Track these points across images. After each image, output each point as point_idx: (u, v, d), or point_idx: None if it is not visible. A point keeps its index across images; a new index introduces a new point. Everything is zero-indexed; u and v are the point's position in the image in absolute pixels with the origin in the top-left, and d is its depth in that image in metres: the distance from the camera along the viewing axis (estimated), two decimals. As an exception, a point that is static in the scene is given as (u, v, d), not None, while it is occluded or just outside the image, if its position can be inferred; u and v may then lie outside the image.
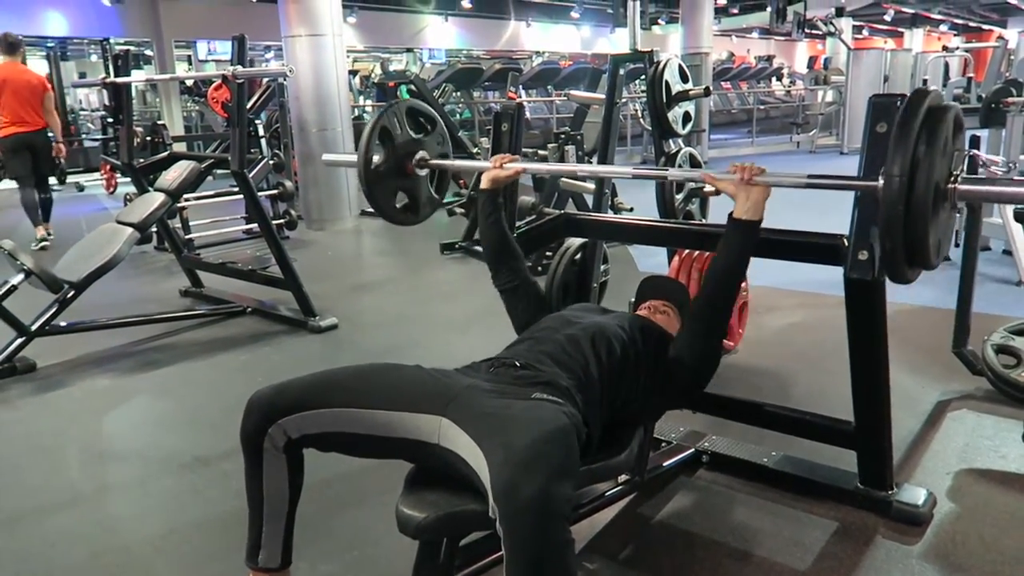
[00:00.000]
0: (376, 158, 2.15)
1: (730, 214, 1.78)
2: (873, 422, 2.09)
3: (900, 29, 25.76)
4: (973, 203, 3.13)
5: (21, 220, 6.88)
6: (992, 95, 4.46)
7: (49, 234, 6.43)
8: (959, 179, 1.52)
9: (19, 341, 3.49)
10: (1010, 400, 2.83)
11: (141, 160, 4.88)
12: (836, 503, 2.20)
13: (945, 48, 14.17)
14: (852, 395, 2.09)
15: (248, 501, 1.66)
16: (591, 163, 5.52)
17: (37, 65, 13.46)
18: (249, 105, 5.88)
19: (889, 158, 1.43)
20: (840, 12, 17.85)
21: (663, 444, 2.50)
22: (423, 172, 2.25)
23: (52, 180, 7.21)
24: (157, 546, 2.15)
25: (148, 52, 14.31)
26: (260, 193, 4.98)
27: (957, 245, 4.92)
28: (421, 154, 2.23)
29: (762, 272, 3.66)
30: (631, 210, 6.02)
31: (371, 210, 7.49)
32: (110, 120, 9.81)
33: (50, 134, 6.53)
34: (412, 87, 8.54)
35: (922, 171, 1.40)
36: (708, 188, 3.26)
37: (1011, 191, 1.56)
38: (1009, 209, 4.36)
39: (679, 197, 3.13)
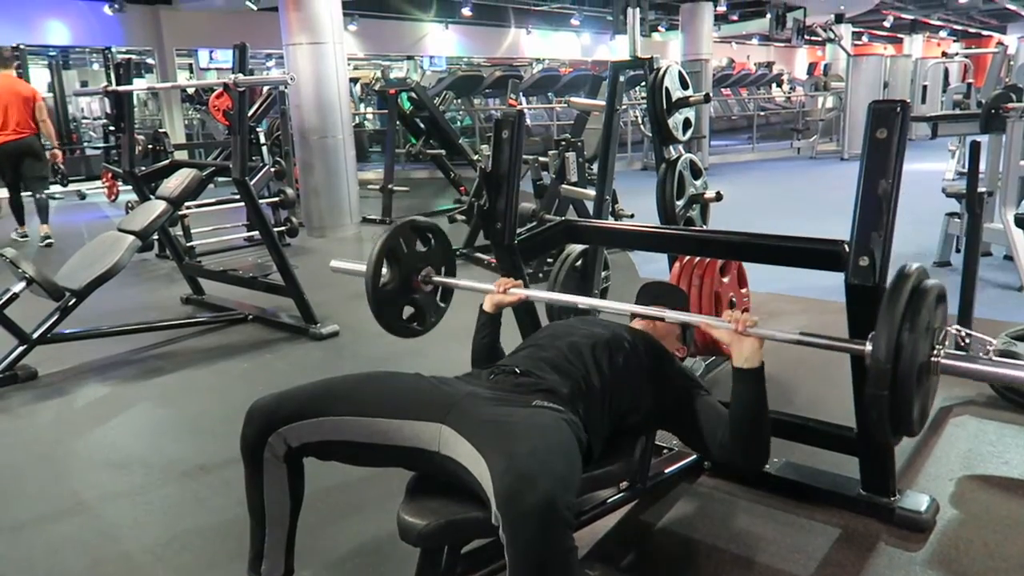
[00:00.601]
0: (384, 274, 2.20)
1: (732, 365, 1.74)
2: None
3: (900, 35, 25.82)
4: (974, 207, 3.14)
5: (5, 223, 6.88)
6: (992, 101, 4.46)
7: (47, 236, 6.80)
8: (942, 354, 1.60)
9: (21, 349, 3.49)
10: (1012, 406, 2.82)
11: (143, 168, 4.88)
12: (838, 510, 2.19)
13: (945, 54, 14.21)
14: (854, 401, 2.08)
15: (249, 511, 1.66)
16: (591, 169, 5.52)
17: (40, 73, 13.54)
18: (250, 113, 5.90)
19: (875, 339, 1.51)
20: (839, 18, 17.90)
21: (665, 450, 2.50)
22: (429, 288, 2.30)
23: (56, 185, 7.62)
24: (158, 554, 2.14)
25: (150, 61, 14.36)
26: (261, 200, 4.98)
27: (958, 250, 4.93)
28: (427, 270, 2.29)
29: (764, 278, 3.67)
30: (632, 216, 6.02)
31: (372, 217, 7.46)
32: (112, 128, 9.85)
33: (45, 142, 6.92)
34: (413, 94, 8.55)
35: (906, 352, 1.49)
36: (709, 193, 3.26)
37: (991, 371, 1.63)
38: (1010, 214, 4.36)
39: (680, 203, 3.13)
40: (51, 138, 6.98)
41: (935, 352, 1.60)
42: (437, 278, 2.30)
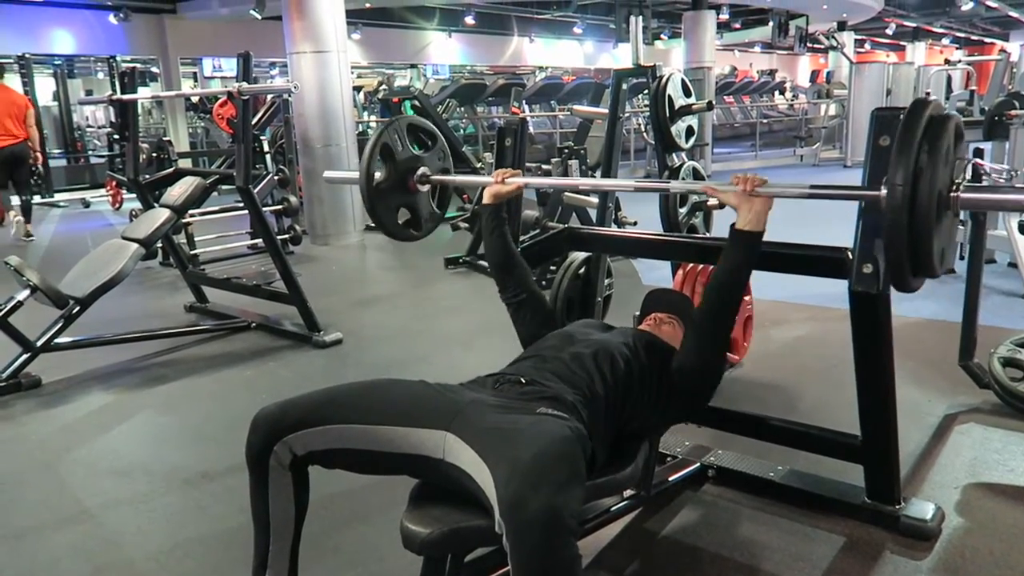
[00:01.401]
0: (378, 175, 2.16)
1: (732, 225, 1.78)
2: (880, 436, 2.08)
3: (902, 43, 25.85)
4: (976, 211, 3.13)
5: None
6: (995, 108, 4.47)
7: (29, 234, 7.51)
8: (961, 187, 1.53)
9: (24, 357, 3.49)
10: (1018, 413, 2.81)
11: (147, 176, 4.91)
12: (843, 518, 2.18)
13: (947, 61, 14.20)
14: (858, 409, 2.08)
15: (253, 519, 1.65)
16: (594, 177, 5.53)
17: (45, 82, 13.60)
18: (254, 121, 5.93)
19: (892, 166, 1.44)
20: (842, 26, 17.95)
21: (669, 459, 2.49)
22: (425, 188, 2.26)
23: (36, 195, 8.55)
24: (161, 562, 2.14)
25: (154, 69, 14.40)
26: (265, 208, 5.00)
27: (962, 258, 4.92)
28: (422, 170, 2.24)
29: (767, 286, 3.67)
30: (635, 224, 6.02)
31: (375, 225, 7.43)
32: (116, 137, 9.88)
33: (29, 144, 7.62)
34: (416, 103, 8.57)
35: (924, 179, 1.41)
36: (712, 201, 3.26)
37: (1013, 198, 1.56)
38: (1014, 221, 4.36)
39: (683, 211, 3.13)
40: (35, 144, 7.68)
41: (954, 186, 1.52)
42: (434, 177, 2.25)
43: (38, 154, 7.91)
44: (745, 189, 1.71)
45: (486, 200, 2.14)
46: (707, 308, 1.84)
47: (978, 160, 1.72)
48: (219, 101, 7.37)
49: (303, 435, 1.56)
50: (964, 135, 1.58)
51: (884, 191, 1.46)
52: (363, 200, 2.14)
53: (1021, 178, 4.43)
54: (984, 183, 1.80)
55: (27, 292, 3.52)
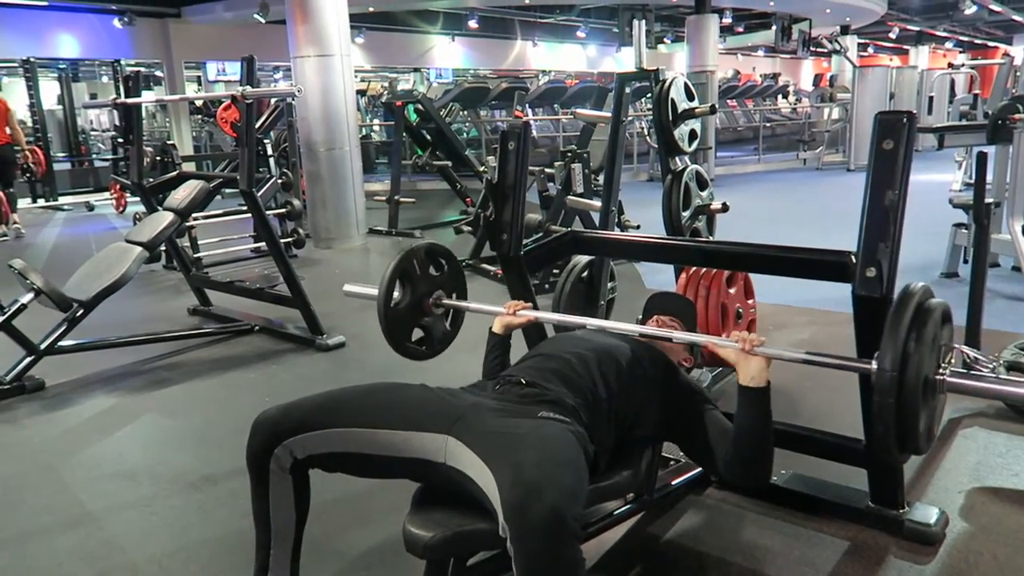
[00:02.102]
0: (395, 295, 2.21)
1: (738, 383, 1.73)
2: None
3: (905, 46, 25.86)
4: (981, 219, 3.13)
5: None
6: (998, 111, 4.45)
7: (12, 223, 8.23)
8: (948, 372, 1.61)
9: (28, 360, 3.50)
10: (1022, 417, 2.80)
11: (150, 180, 4.91)
12: (847, 522, 2.18)
13: (951, 65, 14.19)
14: (862, 412, 2.07)
15: (255, 523, 1.65)
16: (597, 181, 5.52)
17: (49, 86, 13.65)
18: (258, 125, 5.93)
19: (881, 351, 1.52)
20: (845, 30, 17.97)
21: (671, 462, 2.49)
22: (439, 311, 2.32)
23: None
24: (164, 565, 2.14)
25: (158, 73, 14.46)
26: (268, 212, 5.01)
27: (966, 262, 4.91)
28: (438, 293, 2.30)
29: (770, 289, 3.65)
30: (638, 227, 6.02)
31: (379, 228, 7.49)
32: (120, 140, 9.90)
33: (16, 147, 8.33)
34: (419, 106, 8.58)
35: (912, 364, 1.49)
36: (715, 204, 3.26)
37: (995, 388, 1.65)
38: (1018, 224, 4.35)
39: (686, 214, 3.13)
40: (21, 143, 8.47)
41: (941, 370, 1.61)
42: (447, 301, 2.31)
43: (27, 153, 8.65)
44: (744, 348, 1.71)
45: (496, 329, 2.15)
46: (740, 459, 1.74)
47: (963, 348, 1.84)
48: (223, 105, 7.38)
49: (304, 439, 1.56)
50: (951, 316, 1.67)
51: (875, 365, 1.54)
52: (379, 320, 2.20)
53: (1006, 206, 4.44)
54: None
55: (31, 295, 3.53)
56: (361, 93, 14.91)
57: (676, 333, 1.92)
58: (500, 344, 2.15)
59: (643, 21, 3.76)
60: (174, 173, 5.26)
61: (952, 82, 13.24)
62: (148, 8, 12.79)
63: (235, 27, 13.36)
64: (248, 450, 1.59)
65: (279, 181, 6.47)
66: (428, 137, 8.70)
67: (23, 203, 8.25)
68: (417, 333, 2.34)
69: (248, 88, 3.76)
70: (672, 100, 3.05)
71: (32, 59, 11.74)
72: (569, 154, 5.44)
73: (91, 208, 10.46)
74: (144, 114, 8.88)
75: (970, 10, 17.58)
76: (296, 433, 1.57)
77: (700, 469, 2.41)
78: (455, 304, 2.33)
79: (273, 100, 7.18)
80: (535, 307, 2.22)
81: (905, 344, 1.50)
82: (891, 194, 1.77)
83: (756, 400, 1.70)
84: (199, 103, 13.82)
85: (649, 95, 3.36)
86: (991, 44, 26.29)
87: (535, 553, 1.28)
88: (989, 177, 3.95)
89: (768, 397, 1.71)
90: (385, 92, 12.72)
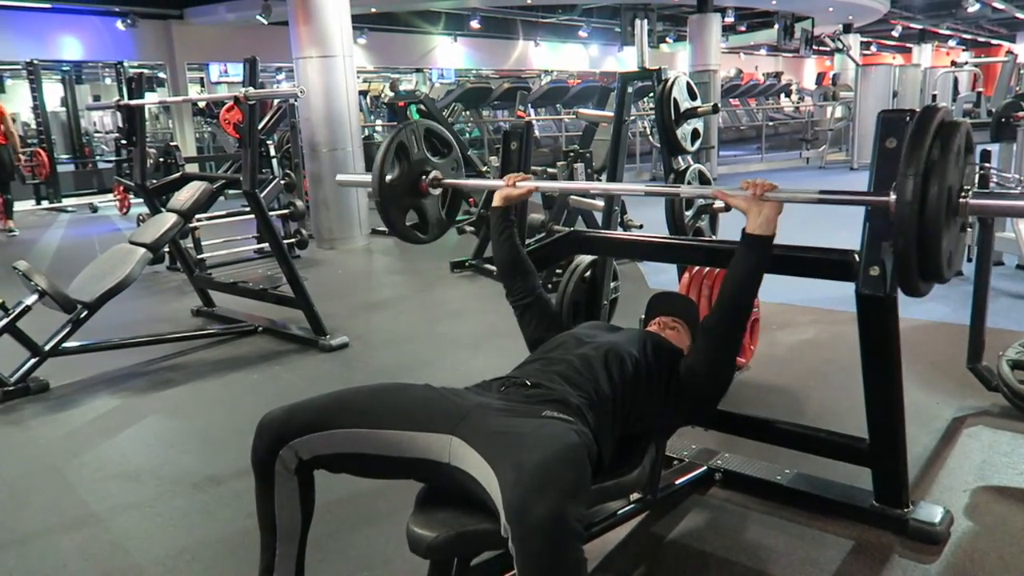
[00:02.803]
0: (390, 175, 2.17)
1: (743, 230, 1.78)
2: (888, 439, 2.07)
3: (908, 45, 25.80)
4: (985, 217, 3.12)
5: None
6: (1002, 109, 4.45)
7: (12, 229, 8.47)
8: (971, 193, 1.53)
9: (32, 361, 3.51)
10: (1027, 416, 2.79)
11: (154, 181, 4.92)
12: (851, 521, 2.17)
13: (954, 63, 14.16)
14: (866, 412, 2.07)
15: (259, 524, 1.65)
16: (600, 180, 5.53)
17: (53, 88, 13.68)
18: (261, 126, 5.93)
19: (902, 168, 1.45)
20: (848, 28, 17.94)
21: (675, 462, 2.49)
22: (436, 192, 2.27)
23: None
24: (168, 566, 2.14)
25: (161, 75, 14.50)
26: (271, 213, 5.01)
27: (970, 260, 4.89)
28: (435, 174, 2.25)
29: (774, 289, 3.65)
30: (640, 227, 6.02)
31: (382, 229, 7.48)
32: (124, 142, 9.91)
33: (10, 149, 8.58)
34: (422, 106, 8.59)
35: (934, 182, 1.41)
36: (718, 204, 3.26)
37: (1022, 204, 1.58)
38: (1022, 223, 4.34)
39: (689, 214, 3.12)
40: (15, 146, 8.73)
41: (963, 192, 1.52)
42: (445, 180, 2.26)
43: (20, 155, 9.00)
44: (755, 194, 1.71)
45: (496, 203, 2.15)
46: (719, 312, 1.84)
47: (988, 166, 1.73)
48: (226, 106, 7.40)
49: (308, 439, 1.56)
50: (974, 143, 1.59)
51: (892, 196, 1.46)
52: (374, 196, 2.15)
53: None
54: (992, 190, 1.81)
55: (35, 296, 3.53)
56: (363, 94, 14.92)
57: (684, 188, 1.90)
58: (503, 218, 2.15)
59: (645, 20, 3.75)
60: (177, 175, 5.27)
61: (955, 80, 13.21)
62: (151, 10, 12.82)
63: (237, 28, 13.39)
64: (253, 451, 1.59)
65: (282, 182, 6.47)
66: (430, 137, 8.69)
67: (27, 205, 8.31)
68: (412, 218, 2.29)
69: (251, 89, 3.77)
70: (674, 99, 3.04)
71: (36, 61, 11.76)
72: (572, 154, 5.45)
73: (95, 210, 10.48)
74: (147, 116, 8.94)
75: (973, 8, 17.54)
76: (301, 434, 1.57)
77: (704, 468, 2.41)
78: (452, 183, 2.27)
79: (276, 101, 7.19)
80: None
81: (928, 155, 1.41)
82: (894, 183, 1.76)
83: (758, 248, 1.72)
84: (202, 104, 13.84)
85: (651, 95, 3.36)
86: (994, 42, 26.24)
87: (537, 554, 1.28)
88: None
89: (771, 248, 1.73)
90: (385, 91, 12.73)
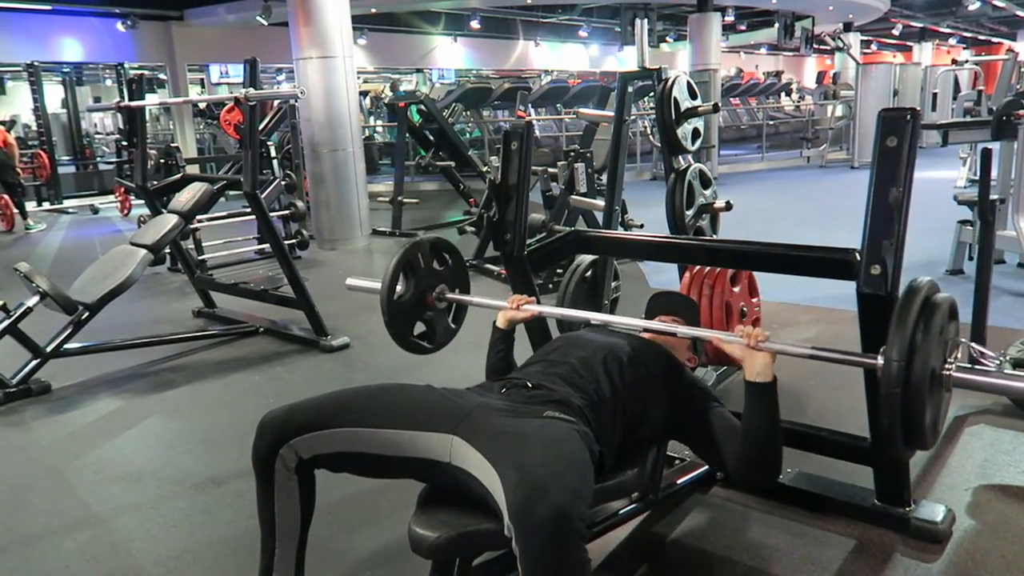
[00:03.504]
0: (398, 288, 2.22)
1: (744, 379, 1.74)
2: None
3: (909, 43, 25.78)
4: (987, 215, 3.12)
5: None
6: (1003, 108, 4.44)
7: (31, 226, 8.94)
8: (954, 367, 1.60)
9: (34, 363, 3.51)
10: (1029, 415, 2.79)
11: (155, 182, 4.93)
12: (853, 520, 2.17)
13: (955, 61, 14.13)
14: (867, 410, 2.07)
15: (260, 523, 1.66)
16: (601, 180, 5.52)
17: (54, 90, 13.70)
18: (261, 127, 5.94)
19: (886, 352, 1.51)
20: (848, 27, 17.93)
21: (676, 461, 2.49)
22: (442, 305, 2.32)
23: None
24: (170, 567, 2.14)
25: (162, 76, 14.51)
26: (272, 213, 5.01)
27: (971, 258, 4.89)
28: (441, 287, 2.30)
29: (775, 288, 3.65)
30: (641, 227, 6.02)
31: (382, 229, 7.48)
32: (124, 143, 9.95)
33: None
34: (422, 107, 8.59)
35: (918, 364, 1.48)
36: (718, 203, 3.26)
37: (1002, 383, 1.63)
38: (1023, 221, 4.33)
39: (689, 213, 3.12)
40: (15, 159, 9.07)
41: (947, 366, 1.60)
42: (451, 295, 2.31)
43: (17, 170, 9.31)
44: (749, 344, 1.71)
45: (500, 324, 2.15)
46: (750, 457, 1.74)
47: (970, 344, 1.83)
48: (226, 107, 7.41)
49: (309, 439, 1.56)
50: (958, 311, 1.66)
51: (880, 360, 1.54)
52: (382, 312, 2.20)
53: (1011, 202, 4.42)
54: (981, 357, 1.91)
55: (37, 298, 3.54)
56: (363, 94, 14.93)
57: (680, 328, 1.91)
58: (504, 339, 2.15)
59: (645, 20, 3.75)
60: (178, 176, 5.27)
61: (956, 78, 13.20)
62: (151, 11, 12.83)
63: (238, 29, 13.40)
64: (254, 450, 1.60)
65: (283, 183, 6.47)
66: (431, 138, 8.71)
67: (28, 206, 8.50)
68: (420, 328, 2.34)
69: (251, 90, 3.77)
70: (675, 99, 3.04)
71: (36, 63, 11.78)
72: (572, 154, 5.44)
73: (96, 211, 10.49)
74: (148, 117, 8.95)
75: (973, 6, 17.54)
76: (302, 433, 1.57)
77: (705, 468, 2.40)
78: (458, 298, 2.33)
79: (276, 102, 7.19)
80: (538, 302, 2.22)
81: (912, 336, 1.49)
82: (895, 191, 1.77)
83: (763, 395, 1.70)
84: (202, 105, 13.85)
85: (652, 94, 3.36)
86: (995, 40, 26.22)
87: (540, 553, 1.28)
88: (994, 173, 3.94)
89: (775, 392, 1.71)
90: (385, 92, 12.74)
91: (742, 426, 1.73)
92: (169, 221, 4.06)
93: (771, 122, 16.57)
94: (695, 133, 3.17)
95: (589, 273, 3.42)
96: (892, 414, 1.51)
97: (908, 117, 1.77)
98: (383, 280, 2.18)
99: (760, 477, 1.82)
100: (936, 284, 1.61)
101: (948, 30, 23.52)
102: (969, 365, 1.70)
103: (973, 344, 1.84)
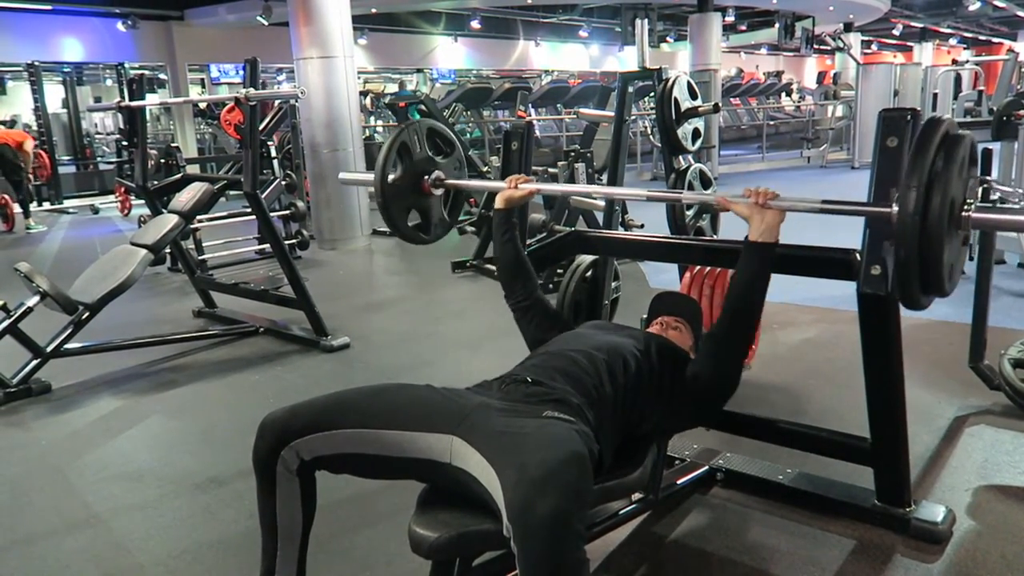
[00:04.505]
0: (392, 175, 2.17)
1: (746, 237, 1.78)
2: (890, 438, 2.07)
3: (909, 43, 25.78)
4: (987, 231, 3.12)
5: None
6: (1003, 108, 4.44)
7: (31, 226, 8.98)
8: (973, 207, 1.54)
9: (34, 363, 3.51)
10: (1029, 415, 2.79)
11: (155, 182, 4.93)
12: (853, 521, 2.17)
13: (955, 61, 14.14)
14: (868, 411, 2.07)
15: (261, 524, 1.65)
16: (601, 181, 5.53)
17: (54, 89, 13.70)
18: (261, 127, 5.94)
19: (904, 180, 1.45)
20: (848, 27, 17.93)
21: (677, 462, 2.49)
22: (438, 192, 2.27)
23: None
24: (170, 567, 2.15)
25: (162, 76, 14.50)
26: (272, 213, 5.02)
27: (971, 258, 4.89)
28: (437, 173, 2.25)
29: (776, 288, 3.65)
30: (641, 227, 6.02)
31: (383, 229, 7.48)
32: (125, 143, 9.95)
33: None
34: (422, 107, 8.59)
35: (937, 195, 1.40)
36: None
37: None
38: None
39: (690, 213, 3.12)
40: (28, 165, 9.24)
41: (967, 204, 1.52)
42: (447, 181, 2.26)
43: (29, 174, 9.47)
44: (757, 202, 1.71)
45: (499, 204, 2.15)
46: (724, 318, 1.84)
47: (989, 179, 1.74)
48: (227, 107, 7.41)
49: (310, 440, 1.56)
50: (978, 156, 1.59)
51: (895, 207, 1.46)
52: (376, 196, 2.15)
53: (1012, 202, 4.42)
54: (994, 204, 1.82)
55: (37, 298, 3.54)
56: (364, 94, 14.92)
57: (686, 194, 1.90)
58: (506, 220, 2.15)
59: (646, 20, 3.75)
60: (178, 176, 5.27)
61: (956, 79, 13.19)
62: (151, 11, 12.84)
63: (238, 29, 13.40)
64: (254, 451, 1.60)
65: (283, 183, 6.48)
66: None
67: (29, 206, 8.43)
68: (415, 218, 2.30)
69: (252, 90, 3.77)
70: (675, 99, 3.04)
71: (37, 63, 11.78)
72: (572, 154, 5.45)
73: (96, 211, 10.49)
74: (148, 117, 8.96)
75: (974, 6, 17.54)
76: (303, 434, 1.57)
77: (706, 468, 2.41)
78: (454, 183, 2.28)
79: (277, 102, 7.19)
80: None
81: (932, 164, 1.42)
82: (896, 192, 1.77)
83: (761, 256, 1.73)
84: (203, 105, 13.85)
85: (652, 94, 3.36)
86: (995, 40, 26.22)
87: (540, 552, 1.28)
88: (994, 173, 3.94)
89: (773, 256, 1.74)
90: (385, 91, 12.74)
91: (730, 286, 1.78)
92: (169, 221, 4.06)
93: (771, 122, 16.56)
94: (695, 133, 3.17)
95: (589, 273, 3.42)
96: (908, 250, 1.42)
97: (908, 117, 1.77)
98: (376, 163, 2.14)
99: (726, 352, 1.82)
100: (955, 122, 1.55)
101: (948, 30, 23.52)
102: (988, 205, 1.62)
103: (994, 180, 1.76)
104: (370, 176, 2.14)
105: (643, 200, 1.97)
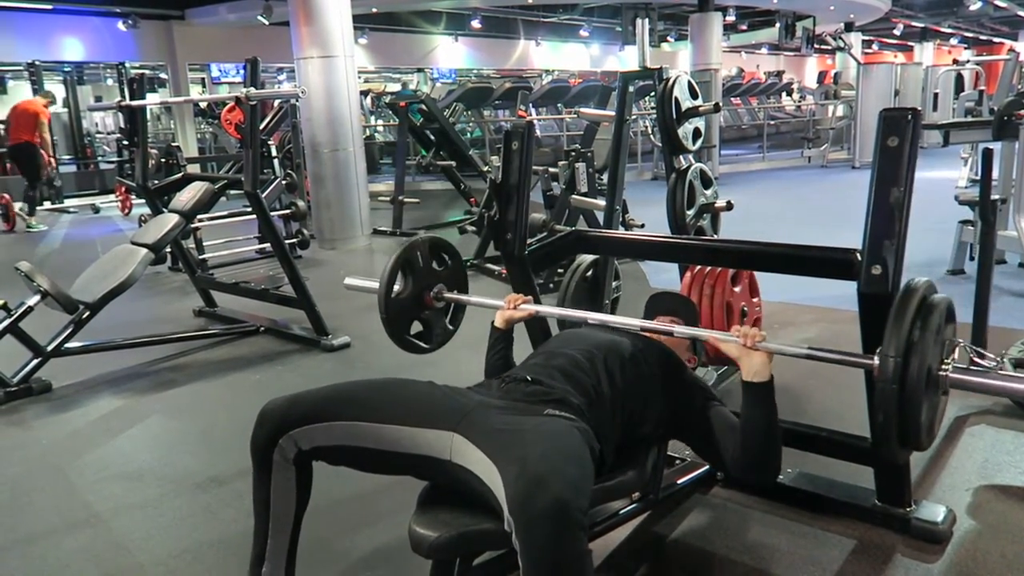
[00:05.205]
0: (397, 287, 2.22)
1: (742, 380, 1.74)
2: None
3: (910, 43, 25.78)
4: (987, 216, 3.12)
5: None
6: (1004, 108, 4.43)
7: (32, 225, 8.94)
8: (951, 368, 1.60)
9: (35, 362, 3.51)
10: (1029, 415, 2.79)
11: (156, 182, 4.93)
12: (853, 521, 2.17)
13: (956, 61, 14.12)
14: (868, 410, 2.07)
15: (254, 512, 1.66)
16: (601, 180, 5.52)
17: (55, 89, 13.68)
18: (262, 126, 5.94)
19: (885, 341, 1.51)
20: (849, 27, 17.92)
21: (677, 461, 2.49)
22: (440, 304, 2.32)
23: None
24: (171, 566, 2.15)
25: (163, 75, 14.50)
26: (273, 213, 5.02)
27: (972, 258, 4.89)
28: (439, 287, 2.30)
29: (776, 287, 3.65)
30: (642, 226, 6.01)
31: (383, 228, 7.47)
32: (125, 143, 9.95)
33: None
34: (423, 107, 8.59)
35: (914, 361, 1.48)
36: (719, 202, 3.26)
37: (999, 384, 1.62)
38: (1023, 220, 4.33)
39: (690, 213, 3.12)
40: (48, 151, 9.24)
41: (944, 366, 1.59)
42: (448, 295, 2.31)
43: (49, 163, 9.49)
44: (745, 344, 1.70)
45: (498, 324, 2.15)
46: (749, 457, 1.73)
47: (970, 345, 1.83)
48: (227, 106, 7.41)
49: (309, 430, 1.57)
50: (955, 312, 1.66)
51: (876, 360, 1.53)
52: (380, 310, 2.20)
53: (1012, 202, 4.41)
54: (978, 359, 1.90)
55: (37, 297, 3.54)
56: (365, 94, 14.93)
57: (677, 328, 1.91)
58: (502, 338, 2.15)
59: (646, 20, 3.75)
60: (179, 175, 5.27)
61: (957, 78, 13.18)
62: (152, 10, 12.84)
63: (239, 29, 13.40)
64: (253, 438, 1.60)
65: (283, 182, 6.48)
66: (432, 137, 8.71)
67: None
68: (417, 328, 2.34)
69: (252, 90, 3.77)
70: (676, 98, 3.04)
71: (37, 62, 11.78)
72: (573, 153, 5.44)
73: (97, 210, 10.49)
74: (149, 116, 8.95)
75: (975, 6, 17.53)
76: (302, 424, 1.57)
77: (706, 468, 2.40)
78: (456, 298, 2.33)
79: (277, 102, 7.19)
80: (537, 303, 2.22)
81: (909, 334, 1.49)
82: (896, 191, 1.77)
83: (760, 396, 1.70)
84: (203, 105, 13.85)
85: (653, 94, 3.36)
86: (996, 40, 26.21)
87: (541, 544, 1.28)
88: (995, 173, 3.94)
89: (772, 392, 1.71)
90: (386, 91, 12.74)
91: (740, 426, 1.73)
92: (170, 220, 4.06)
93: (772, 122, 16.56)
94: (696, 133, 3.17)
95: (590, 273, 3.42)
96: (888, 412, 1.50)
97: (909, 117, 1.77)
98: (381, 279, 2.18)
99: (759, 477, 1.82)
100: (934, 285, 1.62)
101: (949, 30, 23.51)
102: (966, 366, 1.70)
103: (971, 345, 1.84)
104: (375, 284, 2.19)
105: (637, 330, 1.97)
